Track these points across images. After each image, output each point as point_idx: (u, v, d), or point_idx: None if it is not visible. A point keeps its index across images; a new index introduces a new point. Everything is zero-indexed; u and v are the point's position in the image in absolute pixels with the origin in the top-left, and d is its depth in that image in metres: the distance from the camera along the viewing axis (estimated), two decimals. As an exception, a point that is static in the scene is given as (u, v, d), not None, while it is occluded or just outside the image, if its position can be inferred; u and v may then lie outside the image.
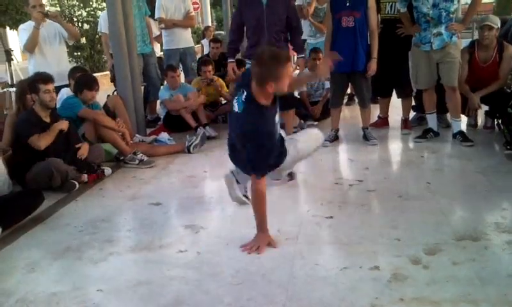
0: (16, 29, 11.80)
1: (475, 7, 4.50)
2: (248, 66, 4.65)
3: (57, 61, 5.12)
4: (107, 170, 4.25)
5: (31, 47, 4.99)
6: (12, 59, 6.82)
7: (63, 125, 4.00)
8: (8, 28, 12.32)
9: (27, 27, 5.08)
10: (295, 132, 5.05)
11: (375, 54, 4.56)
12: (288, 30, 4.56)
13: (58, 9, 12.13)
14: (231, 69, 4.80)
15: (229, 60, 4.81)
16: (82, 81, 4.62)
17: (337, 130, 4.93)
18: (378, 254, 2.52)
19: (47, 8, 5.91)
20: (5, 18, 11.40)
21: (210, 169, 4.37)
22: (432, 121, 4.76)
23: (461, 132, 4.55)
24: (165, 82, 6.09)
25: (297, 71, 5.04)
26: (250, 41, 4.64)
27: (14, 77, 6.68)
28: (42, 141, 3.82)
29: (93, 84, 4.60)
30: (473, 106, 4.77)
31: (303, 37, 5.57)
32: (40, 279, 2.50)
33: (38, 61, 5.04)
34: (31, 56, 5.09)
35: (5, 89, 6.03)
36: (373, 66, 4.56)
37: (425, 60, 4.53)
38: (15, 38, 15.32)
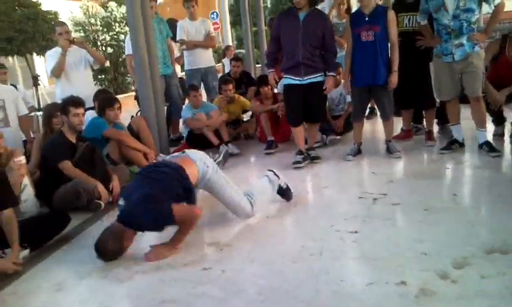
0: (43, 55, 12.18)
1: (497, 16, 4.43)
2: (284, 80, 4.76)
3: (83, 85, 5.26)
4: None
5: (57, 72, 5.16)
6: (39, 84, 7.04)
7: (100, 188, 3.98)
8: (34, 54, 12.68)
9: (53, 53, 5.25)
10: (317, 146, 5.09)
11: (395, 67, 4.54)
12: (323, 49, 4.60)
13: (82, 34, 12.45)
14: (272, 78, 4.82)
15: (269, 70, 4.83)
16: (102, 101, 4.73)
17: (360, 144, 4.89)
18: (405, 269, 2.48)
19: (73, 35, 6.08)
20: (32, 45, 11.75)
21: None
22: (457, 132, 4.68)
23: (487, 143, 4.46)
24: (187, 102, 6.17)
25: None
26: (286, 54, 4.70)
27: (41, 101, 6.87)
28: (72, 173, 3.91)
29: (112, 102, 4.70)
30: (494, 101, 4.67)
31: None
32: (67, 299, 2.54)
33: (64, 86, 5.19)
34: (57, 81, 5.26)
35: (32, 113, 6.20)
36: (394, 80, 4.55)
37: (447, 71, 4.48)
38: (42, 64, 15.79)
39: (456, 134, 4.69)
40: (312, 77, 4.57)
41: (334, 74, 4.66)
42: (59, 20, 5.26)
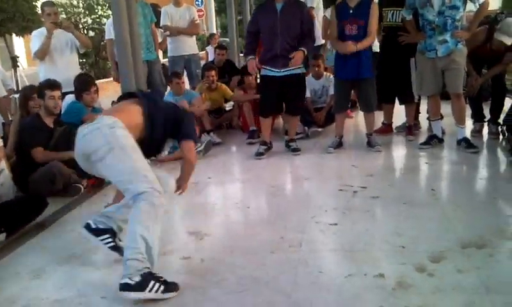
0: (22, 36, 11.90)
1: (481, 14, 4.48)
2: (263, 72, 4.72)
3: (67, 69, 5.14)
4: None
5: (41, 54, 5.03)
6: (18, 66, 6.87)
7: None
8: (14, 35, 12.39)
9: (39, 34, 5.11)
10: (298, 138, 5.11)
11: (361, 44, 4.47)
12: (301, 35, 4.57)
13: (64, 16, 12.21)
14: (252, 65, 4.69)
15: (249, 57, 4.74)
16: (78, 85, 4.60)
17: (341, 137, 4.92)
18: (383, 262, 2.51)
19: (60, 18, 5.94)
20: (11, 25, 11.46)
21: (214, 176, 4.36)
22: (436, 127, 4.75)
23: (465, 139, 4.53)
24: (169, 89, 6.10)
25: None
26: (264, 46, 4.68)
27: (20, 83, 6.72)
28: (44, 157, 3.85)
29: (88, 86, 4.58)
30: (470, 87, 4.82)
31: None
32: (44, 285, 2.51)
33: (48, 69, 5.07)
34: (41, 63, 5.14)
35: (11, 96, 6.07)
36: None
37: (430, 67, 4.53)
38: (21, 45, 15.45)
39: (435, 130, 4.76)
40: (289, 68, 4.56)
41: (304, 50, 4.54)
42: (49, 0, 5.10)
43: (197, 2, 21.73)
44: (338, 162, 4.58)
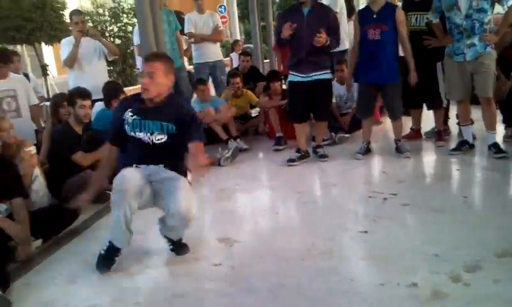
0: (51, 45, 12.16)
1: (510, 17, 4.39)
2: (290, 77, 4.69)
3: (96, 76, 5.23)
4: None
5: (69, 62, 5.15)
6: (48, 74, 7.02)
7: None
8: (43, 44, 12.69)
9: (68, 42, 5.23)
10: (325, 144, 5.08)
11: (412, 65, 4.53)
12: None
13: (91, 24, 12.44)
14: (287, 27, 4.43)
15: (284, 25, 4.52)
16: (108, 93, 4.69)
17: (369, 143, 4.88)
18: (416, 271, 2.47)
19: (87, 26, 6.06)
20: (40, 34, 11.73)
21: (242, 182, 4.38)
22: (467, 133, 4.66)
23: (495, 144, 4.43)
24: (195, 95, 6.16)
25: None
26: (291, 51, 4.66)
27: (50, 91, 6.87)
28: (87, 161, 3.92)
29: (117, 93, 4.66)
30: (499, 89, 4.67)
31: None
32: (79, 291, 2.56)
33: (76, 76, 5.19)
34: (71, 71, 5.26)
35: (42, 104, 6.21)
36: (412, 79, 4.56)
37: (458, 71, 4.45)
38: (50, 53, 15.79)
39: (465, 135, 4.67)
40: (316, 74, 4.54)
41: (329, 38, 4.41)
42: (76, 8, 5.20)
43: (220, 9, 21.89)
44: (367, 168, 4.54)
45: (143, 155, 2.83)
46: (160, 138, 2.80)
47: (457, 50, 4.41)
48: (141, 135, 2.81)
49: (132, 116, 2.85)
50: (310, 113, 4.89)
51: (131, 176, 2.64)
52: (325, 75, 4.61)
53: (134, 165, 2.78)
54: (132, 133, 2.82)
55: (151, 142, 2.80)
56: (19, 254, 2.80)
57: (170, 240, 2.93)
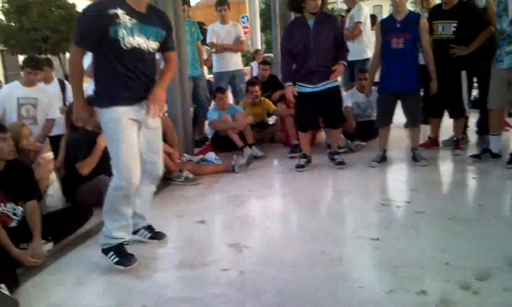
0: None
1: None
2: (298, 88, 4.67)
3: None
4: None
5: (90, 72, 5.24)
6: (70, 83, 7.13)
7: (102, 141, 3.88)
8: (67, 54, 13.03)
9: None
10: (341, 152, 5.05)
11: (433, 74, 4.52)
12: (336, 48, 4.56)
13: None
14: (290, 92, 4.63)
15: (287, 84, 4.70)
16: None
17: (385, 151, 4.83)
18: (426, 278, 2.43)
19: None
20: (65, 45, 12.06)
21: (255, 189, 4.37)
22: (495, 143, 4.51)
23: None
24: (213, 104, 6.22)
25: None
26: (298, 63, 4.66)
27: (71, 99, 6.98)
28: (85, 168, 3.90)
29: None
30: None
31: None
32: (86, 293, 2.58)
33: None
34: (90, 79, 5.34)
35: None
36: (433, 88, 4.56)
37: (498, 79, 4.32)
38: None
39: (493, 145, 4.53)
40: (325, 83, 4.55)
41: (344, 63, 4.56)
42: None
43: (243, 20, 22.07)
44: (382, 176, 4.50)
45: (138, 67, 2.60)
46: (154, 47, 2.64)
47: (498, 57, 4.30)
48: (140, 41, 2.54)
49: (130, 19, 2.51)
50: (319, 121, 4.91)
51: (136, 166, 2.72)
52: (333, 83, 4.62)
53: (129, 99, 2.63)
54: (127, 39, 2.51)
55: (147, 52, 2.58)
56: (28, 259, 2.83)
57: (147, 228, 3.14)
